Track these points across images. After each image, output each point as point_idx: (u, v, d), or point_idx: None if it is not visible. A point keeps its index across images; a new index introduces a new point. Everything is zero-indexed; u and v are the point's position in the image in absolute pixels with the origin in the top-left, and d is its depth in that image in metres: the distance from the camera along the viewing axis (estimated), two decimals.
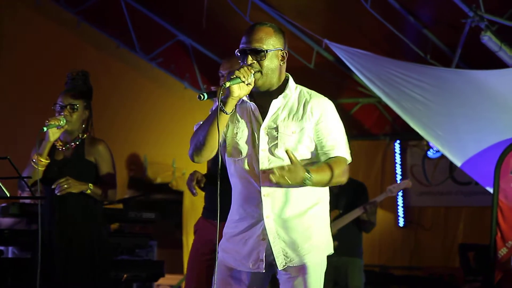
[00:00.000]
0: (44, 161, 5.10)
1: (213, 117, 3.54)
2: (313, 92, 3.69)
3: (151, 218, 6.64)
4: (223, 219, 4.72)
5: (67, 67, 8.72)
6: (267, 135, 3.57)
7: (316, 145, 3.61)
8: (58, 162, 5.19)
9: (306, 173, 3.42)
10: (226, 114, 3.53)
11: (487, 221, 7.42)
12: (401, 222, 11.53)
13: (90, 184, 5.13)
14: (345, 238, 6.87)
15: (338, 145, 3.61)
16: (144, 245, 6.91)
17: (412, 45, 8.71)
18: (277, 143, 3.55)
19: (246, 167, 3.59)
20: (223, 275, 3.68)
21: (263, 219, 3.55)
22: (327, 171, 3.52)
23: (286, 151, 3.44)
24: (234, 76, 3.46)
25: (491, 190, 7.43)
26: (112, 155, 5.39)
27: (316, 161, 3.62)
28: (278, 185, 3.47)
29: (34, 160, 5.09)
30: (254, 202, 3.57)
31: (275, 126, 3.57)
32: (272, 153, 3.55)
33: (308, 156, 3.60)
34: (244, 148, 3.60)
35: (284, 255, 3.56)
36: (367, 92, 10.40)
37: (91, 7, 8.90)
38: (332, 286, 7.03)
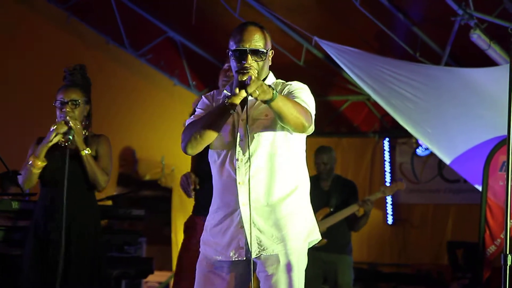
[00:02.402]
0: (41, 163, 5.00)
1: (215, 113, 3.56)
2: (288, 82, 3.74)
3: (141, 215, 6.62)
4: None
5: (57, 62, 8.72)
6: (246, 124, 3.58)
7: None
8: (62, 158, 5.06)
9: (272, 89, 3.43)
10: (231, 112, 3.54)
11: (475, 219, 7.45)
12: (390, 220, 11.54)
13: (88, 149, 5.08)
14: (334, 236, 6.88)
15: (304, 101, 3.61)
16: (133, 242, 6.88)
17: (402, 43, 8.72)
18: (253, 128, 3.59)
19: (227, 157, 3.63)
20: (204, 269, 3.71)
21: (239, 207, 3.59)
22: (290, 101, 3.50)
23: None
24: (248, 72, 3.45)
25: (480, 187, 7.45)
26: (111, 150, 5.35)
27: (294, 150, 3.67)
28: (253, 171, 3.55)
29: (30, 162, 4.99)
30: (231, 191, 3.61)
31: (253, 115, 3.62)
32: (249, 142, 3.58)
33: (285, 140, 3.64)
34: (226, 139, 3.64)
35: (258, 243, 3.58)
36: (356, 89, 10.43)
37: (80, 2, 8.87)
38: (322, 283, 7.04)
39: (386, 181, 11.39)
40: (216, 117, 3.56)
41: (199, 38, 9.72)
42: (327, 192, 7.07)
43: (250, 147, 3.57)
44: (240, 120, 3.62)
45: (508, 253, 3.68)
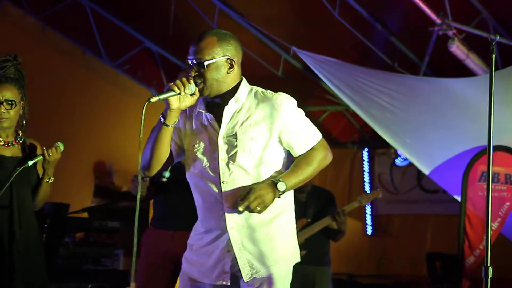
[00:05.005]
0: None
1: (155, 132, 3.47)
2: (268, 92, 3.56)
3: (116, 227, 6.54)
4: (182, 228, 4.65)
5: (32, 73, 8.63)
6: (226, 143, 3.45)
7: (287, 146, 3.52)
8: (10, 159, 4.67)
9: (274, 186, 3.37)
10: (167, 126, 3.44)
11: (454, 229, 7.43)
12: (369, 230, 11.52)
13: (52, 178, 4.68)
14: (313, 247, 6.81)
15: (308, 137, 3.53)
16: (110, 254, 6.80)
17: (380, 53, 8.72)
18: (237, 150, 3.43)
19: (206, 178, 3.47)
20: (187, 285, 3.60)
21: (227, 230, 3.46)
22: (303, 169, 3.47)
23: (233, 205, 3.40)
24: (168, 89, 3.39)
25: (459, 198, 7.44)
26: None
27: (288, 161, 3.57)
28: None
29: None
30: (217, 214, 3.47)
31: (233, 133, 3.46)
32: (233, 162, 3.43)
33: (277, 161, 3.51)
34: (203, 159, 3.48)
35: (250, 266, 3.47)
36: (335, 99, 10.40)
37: (56, 12, 8.79)
38: None
39: (365, 192, 11.37)
40: (155, 134, 3.47)
41: (177, 48, 9.65)
42: (304, 203, 7.01)
43: (234, 170, 3.43)
44: (219, 138, 3.46)
45: (489, 265, 3.64)
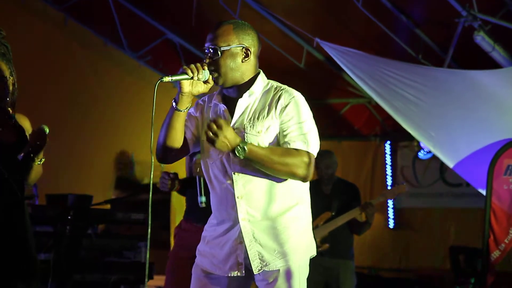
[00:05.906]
0: None
1: (168, 117, 3.48)
2: (283, 87, 3.52)
3: (140, 219, 6.53)
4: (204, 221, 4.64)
5: (54, 64, 8.65)
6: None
7: (280, 139, 3.45)
8: (4, 145, 4.39)
9: (236, 146, 3.29)
10: (179, 111, 3.44)
11: (477, 223, 7.38)
12: (391, 224, 11.46)
13: (43, 158, 4.37)
14: (337, 241, 6.78)
15: (302, 138, 3.43)
16: (132, 246, 6.79)
17: (404, 45, 8.65)
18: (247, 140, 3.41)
19: (219, 169, 3.48)
20: (199, 279, 3.60)
21: (239, 221, 3.45)
22: (273, 153, 3.36)
23: (214, 120, 3.30)
24: (181, 71, 3.39)
25: (483, 191, 7.35)
26: None
27: None
28: (252, 185, 3.42)
29: None
30: (229, 205, 3.46)
31: (242, 126, 3.45)
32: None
33: None
34: (216, 151, 3.46)
35: (260, 259, 3.45)
36: (357, 92, 10.35)
37: (78, 3, 8.79)
38: None
39: (387, 185, 11.33)
40: (167, 119, 3.48)
41: (199, 39, 9.58)
42: (328, 196, 6.96)
43: (244, 162, 3.39)
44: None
45: None
